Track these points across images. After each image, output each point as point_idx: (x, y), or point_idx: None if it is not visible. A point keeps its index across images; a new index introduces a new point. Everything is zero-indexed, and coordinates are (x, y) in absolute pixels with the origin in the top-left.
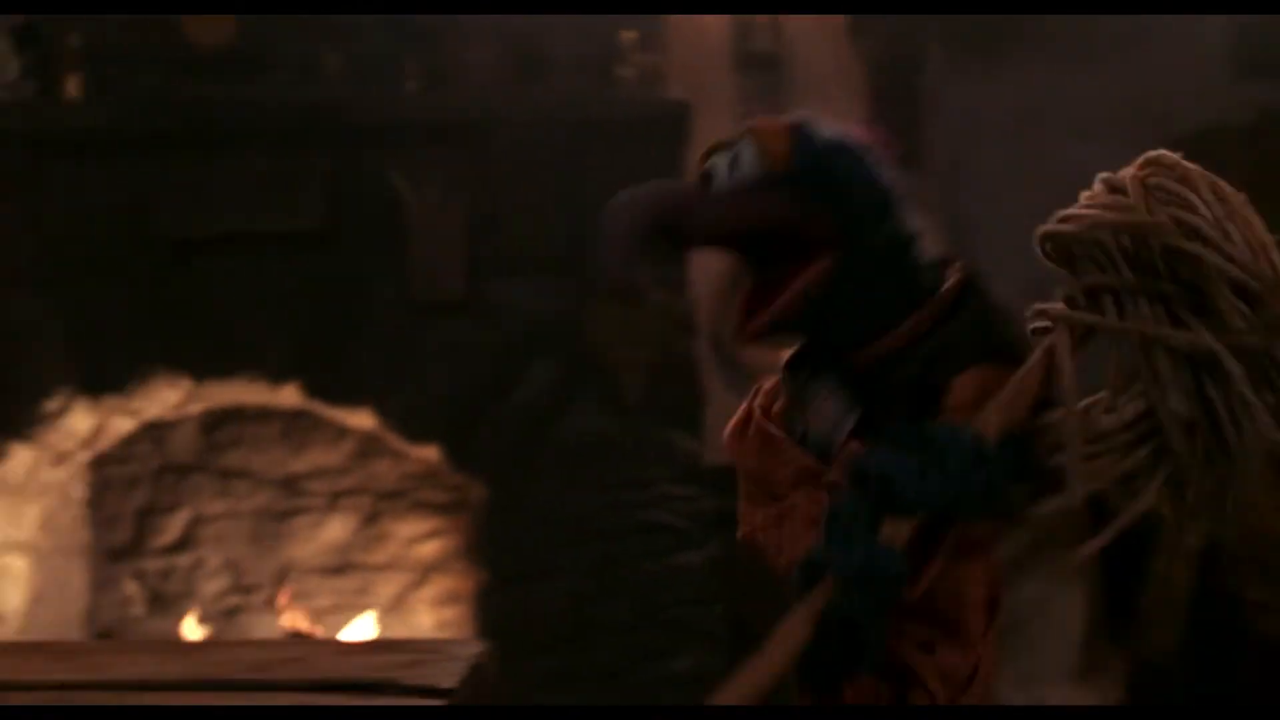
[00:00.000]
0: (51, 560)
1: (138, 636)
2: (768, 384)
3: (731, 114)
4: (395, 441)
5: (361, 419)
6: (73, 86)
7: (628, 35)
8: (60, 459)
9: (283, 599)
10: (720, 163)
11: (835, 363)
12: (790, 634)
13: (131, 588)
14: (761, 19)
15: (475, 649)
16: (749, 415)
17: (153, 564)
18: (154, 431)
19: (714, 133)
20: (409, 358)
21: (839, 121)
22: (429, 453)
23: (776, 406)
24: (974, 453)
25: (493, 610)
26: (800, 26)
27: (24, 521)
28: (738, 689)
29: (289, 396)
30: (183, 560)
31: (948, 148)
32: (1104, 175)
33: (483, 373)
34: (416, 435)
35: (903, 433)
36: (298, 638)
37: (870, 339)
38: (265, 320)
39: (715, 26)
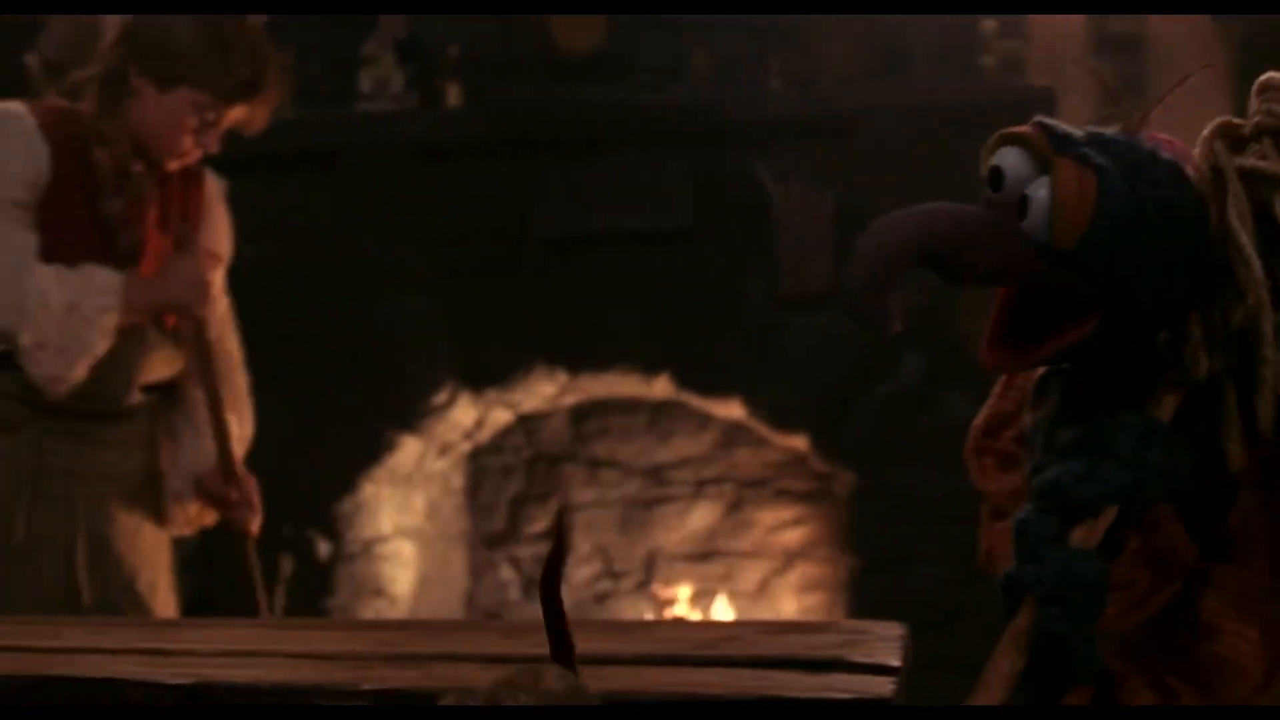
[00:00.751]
0: (435, 546)
1: (513, 621)
2: (1016, 380)
3: (1093, 97)
4: (760, 431)
5: (730, 409)
6: (452, 95)
7: (988, 24)
8: (444, 450)
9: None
10: (1011, 165)
11: (1082, 386)
12: (1002, 661)
13: (507, 573)
14: None
15: (898, 630)
16: (979, 435)
17: (526, 550)
18: (526, 423)
19: (1077, 116)
20: (777, 349)
21: (1158, 132)
22: (796, 442)
23: (1026, 418)
24: (1143, 432)
25: (861, 596)
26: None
27: (412, 509)
28: None
29: (661, 388)
30: None
31: None
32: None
33: (850, 363)
34: (784, 425)
35: (1070, 440)
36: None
37: (1122, 375)
38: (638, 315)
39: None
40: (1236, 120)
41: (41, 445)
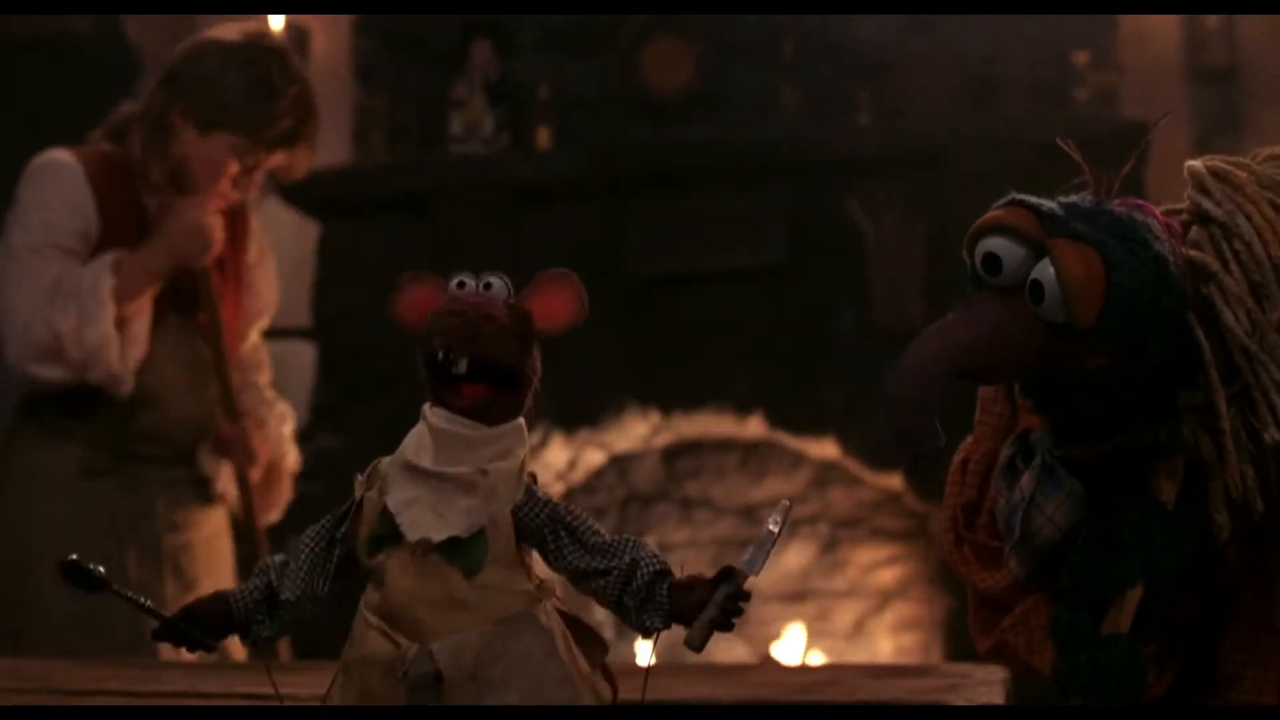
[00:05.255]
0: None
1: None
2: (970, 465)
3: (1189, 129)
4: (854, 469)
5: (824, 448)
6: (543, 137)
7: (1080, 56)
8: None
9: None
10: (1006, 250)
11: (1057, 446)
12: None
13: (600, 613)
14: (1213, 27)
15: (1001, 674)
16: (954, 527)
17: None
18: (618, 463)
19: (1172, 149)
20: (872, 386)
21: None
22: (891, 480)
23: (999, 502)
24: (1145, 514)
25: (958, 636)
26: (1255, 34)
27: None
28: None
29: (754, 428)
30: None
31: None
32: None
33: (946, 399)
34: (878, 463)
35: (1063, 527)
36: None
37: (1103, 438)
38: (731, 353)
39: (1166, 40)
40: (1176, 206)
41: (134, 491)
